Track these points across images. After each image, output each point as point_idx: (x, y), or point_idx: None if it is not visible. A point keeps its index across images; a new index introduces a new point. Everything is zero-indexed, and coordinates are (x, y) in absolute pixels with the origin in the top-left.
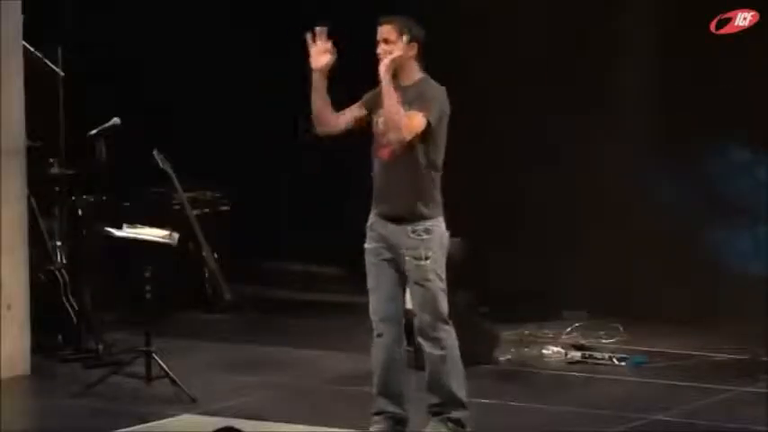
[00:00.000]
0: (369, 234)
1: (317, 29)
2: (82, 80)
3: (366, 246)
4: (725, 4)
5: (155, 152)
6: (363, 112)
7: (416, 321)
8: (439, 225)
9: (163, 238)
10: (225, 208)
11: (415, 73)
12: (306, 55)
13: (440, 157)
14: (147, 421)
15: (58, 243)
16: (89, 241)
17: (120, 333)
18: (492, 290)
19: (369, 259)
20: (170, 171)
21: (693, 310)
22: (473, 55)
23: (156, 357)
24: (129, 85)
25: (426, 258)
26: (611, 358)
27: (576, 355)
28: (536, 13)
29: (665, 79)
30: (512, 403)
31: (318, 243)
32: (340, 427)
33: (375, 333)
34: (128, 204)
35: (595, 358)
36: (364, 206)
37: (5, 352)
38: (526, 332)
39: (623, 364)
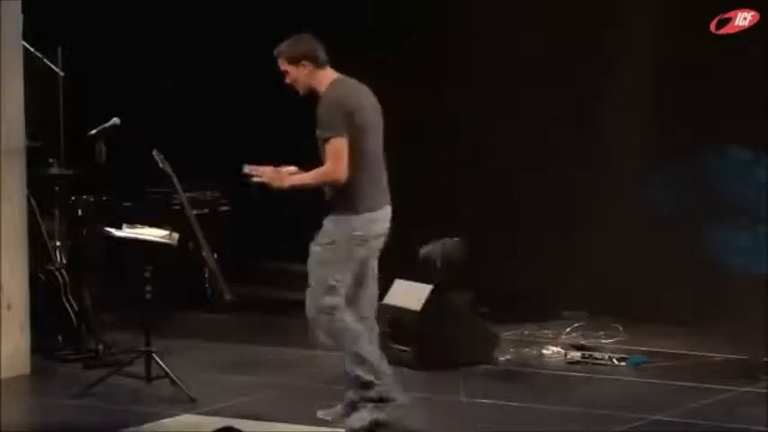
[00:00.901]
0: None
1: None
2: (82, 80)
3: None
4: (725, 4)
5: (155, 152)
6: None
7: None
8: (346, 220)
9: (163, 238)
10: (225, 208)
11: (324, 80)
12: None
13: (356, 156)
14: (147, 421)
15: (58, 243)
16: (89, 241)
17: (120, 333)
18: (492, 290)
19: None
20: (170, 171)
21: (693, 310)
22: (473, 55)
23: (156, 357)
24: (129, 85)
25: (319, 245)
26: (611, 358)
27: (576, 355)
28: (536, 14)
29: (664, 79)
30: (512, 403)
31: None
32: (340, 427)
33: None
34: (128, 204)
35: (595, 358)
36: None
37: (5, 352)
38: (526, 332)
39: (623, 364)
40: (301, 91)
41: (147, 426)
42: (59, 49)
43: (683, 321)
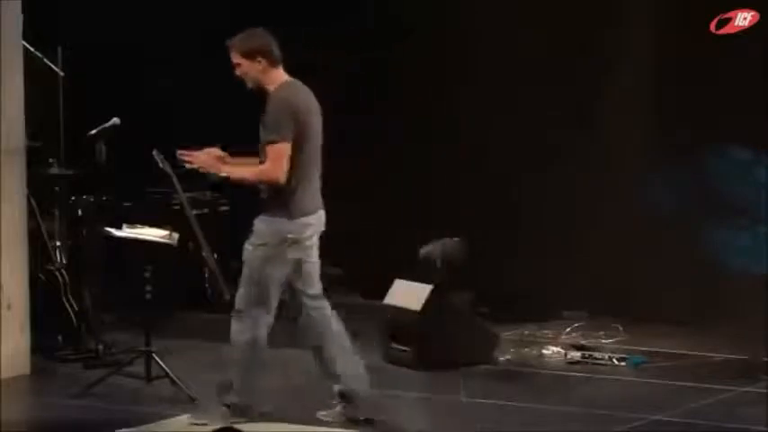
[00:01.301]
0: None
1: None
2: (82, 80)
3: None
4: (725, 4)
5: (155, 152)
6: None
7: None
8: (279, 222)
9: (163, 238)
10: (225, 208)
11: (275, 79)
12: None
13: (296, 161)
14: (147, 421)
15: (58, 243)
16: (89, 241)
17: (120, 333)
18: (492, 290)
19: None
20: (170, 171)
21: (693, 310)
22: (473, 55)
23: (156, 357)
24: (129, 85)
25: (251, 245)
26: (611, 358)
27: (576, 355)
28: (536, 14)
29: (664, 79)
30: (512, 403)
31: (318, 243)
32: (340, 427)
33: None
34: (128, 204)
35: (595, 358)
36: (363, 206)
37: (5, 352)
38: (526, 332)
39: (623, 364)
40: (250, 85)
41: (147, 426)
42: (59, 49)
43: (683, 321)
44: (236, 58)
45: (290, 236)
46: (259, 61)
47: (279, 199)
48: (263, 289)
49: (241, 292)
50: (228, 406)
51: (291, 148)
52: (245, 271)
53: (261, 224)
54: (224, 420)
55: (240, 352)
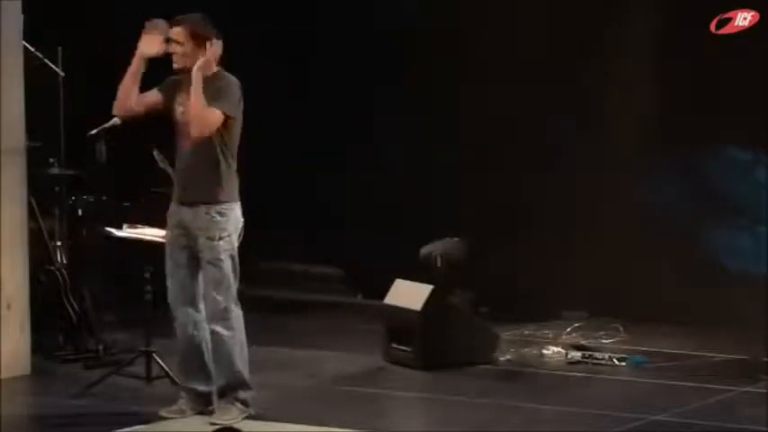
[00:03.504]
0: (168, 222)
1: (155, 21)
2: (82, 80)
3: (166, 232)
4: (725, 4)
5: (155, 152)
6: (159, 98)
7: (209, 303)
8: (233, 209)
9: (163, 238)
10: None
11: (212, 66)
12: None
13: (235, 146)
14: (148, 421)
15: (58, 243)
16: (89, 241)
17: (120, 333)
18: (492, 290)
19: (168, 246)
20: (170, 171)
21: (693, 310)
22: (473, 55)
23: (156, 357)
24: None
25: (220, 239)
26: (611, 358)
27: (576, 355)
28: (536, 14)
29: (664, 79)
30: (512, 403)
31: (318, 243)
32: (340, 427)
33: (173, 316)
34: (128, 204)
35: (595, 358)
36: (363, 205)
37: (5, 352)
38: (526, 332)
39: (623, 364)
40: (182, 65)
41: (147, 426)
42: (59, 49)
43: (683, 321)
44: (181, 37)
45: (240, 220)
46: (205, 47)
47: (226, 183)
48: (235, 279)
49: (221, 292)
50: (242, 401)
51: (235, 131)
52: (219, 267)
53: (216, 215)
54: (240, 416)
55: (240, 347)
